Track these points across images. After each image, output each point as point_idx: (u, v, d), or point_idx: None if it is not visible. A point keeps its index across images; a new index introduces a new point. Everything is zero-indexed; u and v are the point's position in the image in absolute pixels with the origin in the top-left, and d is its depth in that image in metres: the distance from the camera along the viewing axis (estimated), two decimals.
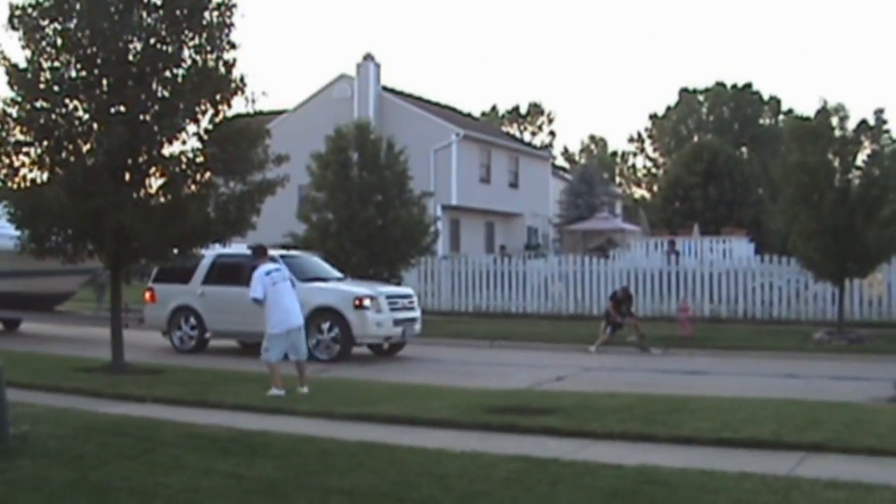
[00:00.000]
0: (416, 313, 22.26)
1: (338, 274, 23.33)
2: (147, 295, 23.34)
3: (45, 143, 15.95)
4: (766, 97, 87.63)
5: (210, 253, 20.90)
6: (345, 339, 20.50)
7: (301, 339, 15.08)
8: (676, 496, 7.97)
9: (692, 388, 15.78)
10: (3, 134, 15.89)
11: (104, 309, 28.39)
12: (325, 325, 20.51)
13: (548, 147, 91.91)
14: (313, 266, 22.89)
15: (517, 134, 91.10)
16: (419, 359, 21.31)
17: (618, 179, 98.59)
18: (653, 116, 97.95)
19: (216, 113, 16.56)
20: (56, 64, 15.93)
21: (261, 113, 17.82)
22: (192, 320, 22.43)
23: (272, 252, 22.13)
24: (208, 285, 22.30)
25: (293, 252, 23.47)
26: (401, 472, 8.94)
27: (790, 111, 78.49)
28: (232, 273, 21.34)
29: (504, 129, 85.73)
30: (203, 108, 16.40)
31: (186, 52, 16.26)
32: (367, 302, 20.57)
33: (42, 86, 15.86)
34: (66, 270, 20.06)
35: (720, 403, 13.14)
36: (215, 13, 16.32)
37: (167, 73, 16.15)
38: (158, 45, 16.00)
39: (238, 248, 21.90)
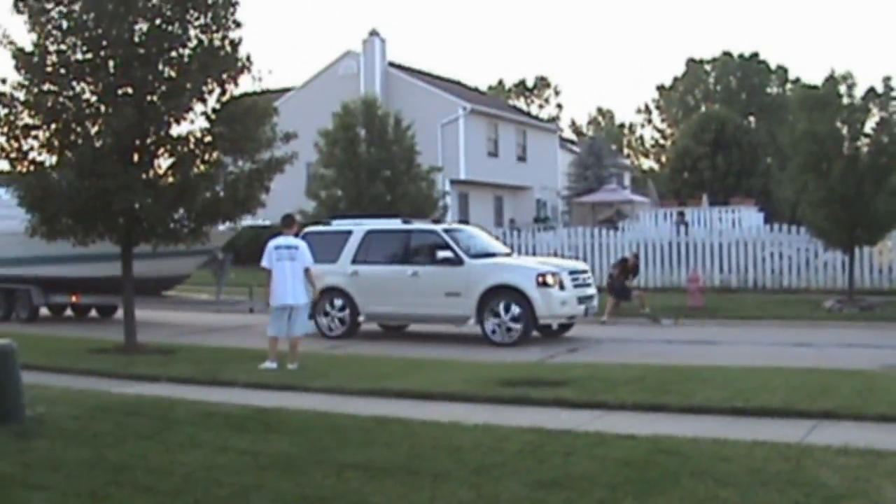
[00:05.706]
0: (594, 290, 20.59)
1: (504, 248, 22.14)
2: None
3: (54, 125, 16.02)
4: (773, 66, 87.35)
5: (359, 228, 20.42)
6: (527, 320, 18.66)
7: (297, 317, 15.07)
8: (689, 465, 7.98)
9: (703, 357, 15.77)
10: (12, 118, 16.00)
11: (222, 293, 26.15)
12: (503, 306, 18.74)
13: (555, 120, 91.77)
14: (480, 240, 21.25)
15: (524, 107, 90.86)
16: (429, 333, 21.13)
17: (626, 151, 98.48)
18: (660, 87, 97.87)
19: (223, 92, 16.63)
20: (62, 47, 15.99)
21: (267, 91, 17.76)
22: (342, 303, 20.39)
23: (429, 224, 21.37)
24: (360, 264, 20.35)
25: (457, 225, 22.18)
26: (415, 446, 8.97)
27: (797, 80, 78.27)
28: (387, 249, 20.33)
29: (511, 102, 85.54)
30: (210, 87, 16.45)
31: (192, 32, 16.33)
32: (549, 279, 18.78)
33: (49, 69, 15.93)
34: (178, 252, 19.26)
35: (731, 373, 13.17)
36: None
37: (173, 54, 16.21)
38: (164, 26, 16.05)
39: (389, 222, 21.03)
